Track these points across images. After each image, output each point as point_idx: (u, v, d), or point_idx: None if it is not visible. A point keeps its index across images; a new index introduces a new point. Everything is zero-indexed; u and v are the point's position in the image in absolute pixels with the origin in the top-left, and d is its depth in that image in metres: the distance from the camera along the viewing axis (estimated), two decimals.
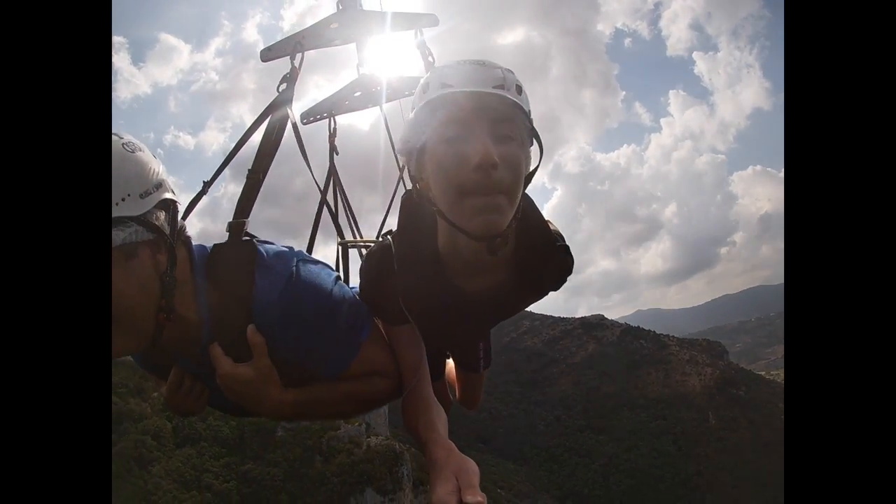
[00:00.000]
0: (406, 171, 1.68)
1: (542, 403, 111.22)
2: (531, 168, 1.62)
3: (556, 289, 1.90)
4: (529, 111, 1.58)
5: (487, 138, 1.46)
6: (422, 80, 1.62)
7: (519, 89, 1.54)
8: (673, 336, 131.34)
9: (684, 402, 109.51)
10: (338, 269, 2.60)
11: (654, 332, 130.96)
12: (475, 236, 1.53)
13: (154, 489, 39.20)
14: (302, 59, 2.67)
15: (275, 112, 2.25)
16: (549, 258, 1.78)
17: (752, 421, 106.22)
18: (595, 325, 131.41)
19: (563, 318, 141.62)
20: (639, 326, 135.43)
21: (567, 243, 1.80)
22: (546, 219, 1.81)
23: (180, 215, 1.63)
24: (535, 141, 1.61)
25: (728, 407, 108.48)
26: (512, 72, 1.54)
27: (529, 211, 1.71)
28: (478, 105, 1.48)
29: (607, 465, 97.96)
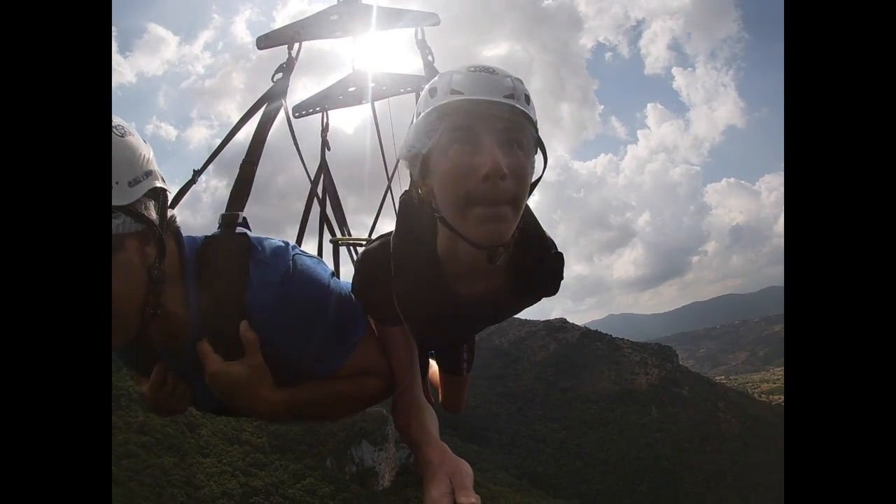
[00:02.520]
0: (409, 175, 1.66)
1: (506, 395, 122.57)
2: (535, 177, 1.58)
3: (551, 294, 1.89)
4: (536, 121, 1.54)
5: (496, 148, 1.43)
6: (428, 84, 1.58)
7: (527, 99, 1.51)
8: (627, 340, 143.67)
9: (631, 397, 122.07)
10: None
11: (611, 335, 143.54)
12: (478, 245, 1.50)
13: (206, 444, 50.30)
14: (300, 48, 2.53)
15: (269, 101, 2.14)
16: (544, 266, 1.78)
17: (691, 417, 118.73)
18: (558, 328, 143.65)
19: (529, 320, 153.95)
20: (597, 330, 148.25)
21: (560, 250, 1.81)
22: (541, 226, 1.79)
23: (169, 204, 1.52)
24: (539, 150, 1.58)
25: (670, 404, 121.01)
26: (521, 81, 1.51)
27: (528, 218, 1.68)
28: (487, 114, 1.44)
29: (559, 449, 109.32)
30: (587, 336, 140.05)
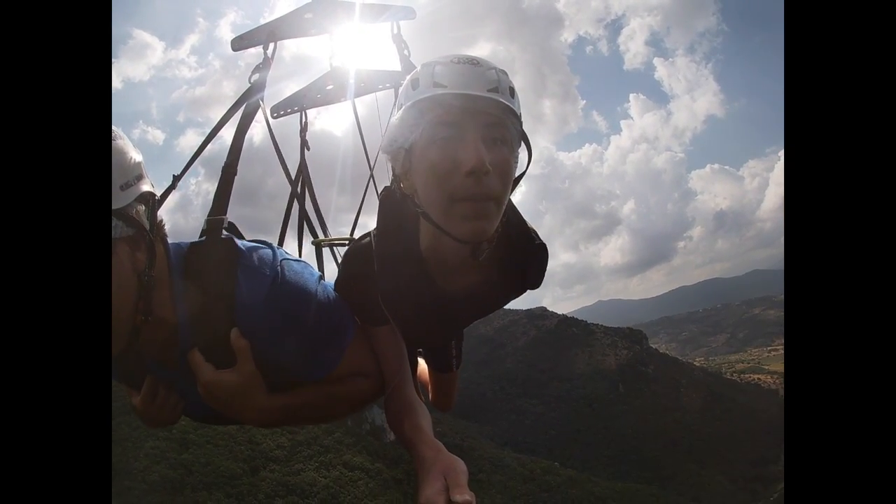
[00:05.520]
0: (390, 170, 1.61)
1: (491, 377, 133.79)
2: (519, 172, 1.55)
3: (535, 286, 1.85)
4: (520, 114, 1.49)
5: (480, 143, 1.39)
6: (410, 76, 1.53)
7: (512, 92, 1.46)
8: (600, 325, 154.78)
9: (601, 375, 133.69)
10: None
11: (585, 321, 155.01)
12: (462, 241, 1.48)
13: None
14: (275, 48, 2.44)
15: (247, 102, 2.07)
16: (529, 257, 1.75)
17: (655, 391, 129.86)
18: (537, 316, 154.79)
19: (512, 309, 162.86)
20: (573, 317, 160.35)
21: (544, 241, 1.77)
22: (523, 217, 1.75)
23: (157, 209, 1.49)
24: (523, 143, 1.54)
25: (636, 381, 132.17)
26: (505, 73, 1.46)
27: (511, 212, 1.66)
28: (471, 108, 1.40)
29: (537, 421, 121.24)
30: (564, 323, 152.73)
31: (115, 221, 1.32)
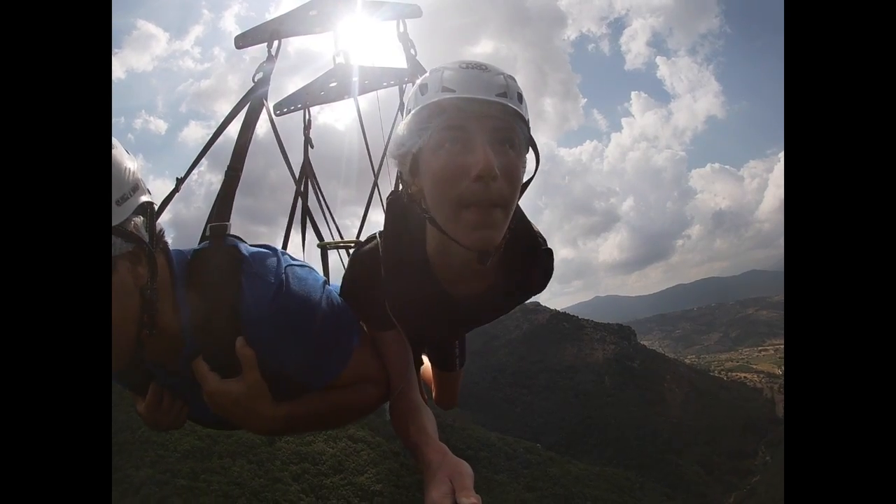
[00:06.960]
0: (397, 175, 1.60)
1: (484, 367, 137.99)
2: (527, 177, 1.54)
3: (540, 291, 1.85)
4: (528, 119, 1.49)
5: (488, 148, 1.38)
6: (419, 80, 1.52)
7: (520, 97, 1.45)
8: (591, 321, 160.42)
9: (588, 368, 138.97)
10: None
11: (577, 317, 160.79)
12: (470, 249, 1.46)
13: None
14: (279, 46, 2.42)
15: (251, 101, 2.06)
16: (535, 262, 1.74)
17: (639, 385, 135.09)
18: (530, 310, 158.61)
19: None
20: (565, 312, 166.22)
21: (549, 246, 1.76)
22: (529, 220, 1.74)
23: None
24: (531, 149, 1.52)
25: (621, 374, 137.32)
26: (513, 78, 1.45)
27: (518, 216, 1.63)
28: (479, 113, 1.39)
29: (526, 409, 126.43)
30: (556, 317, 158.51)
31: (114, 238, 1.28)
